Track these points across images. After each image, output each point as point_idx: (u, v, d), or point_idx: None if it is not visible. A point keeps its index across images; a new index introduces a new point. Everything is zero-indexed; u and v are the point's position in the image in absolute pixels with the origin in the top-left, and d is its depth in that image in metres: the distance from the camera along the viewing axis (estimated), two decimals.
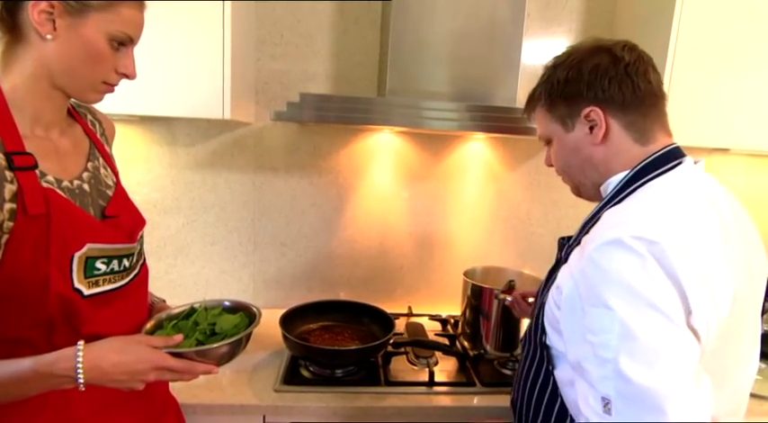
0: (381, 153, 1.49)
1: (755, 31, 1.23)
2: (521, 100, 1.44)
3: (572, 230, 1.53)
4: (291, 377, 1.11)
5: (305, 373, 1.15)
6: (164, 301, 0.96)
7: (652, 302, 0.56)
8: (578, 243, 0.67)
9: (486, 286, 1.23)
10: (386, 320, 1.26)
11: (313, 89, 1.42)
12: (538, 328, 0.74)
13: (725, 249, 0.61)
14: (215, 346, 0.75)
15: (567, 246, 0.74)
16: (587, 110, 0.70)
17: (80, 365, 0.63)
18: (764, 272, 0.71)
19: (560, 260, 0.75)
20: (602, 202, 0.71)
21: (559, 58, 0.74)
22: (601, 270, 0.58)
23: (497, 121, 1.16)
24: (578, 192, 0.80)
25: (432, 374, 1.13)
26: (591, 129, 0.71)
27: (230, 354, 0.78)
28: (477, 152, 1.53)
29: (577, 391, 0.63)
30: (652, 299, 0.56)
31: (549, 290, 0.71)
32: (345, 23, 1.42)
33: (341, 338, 1.26)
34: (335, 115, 1.14)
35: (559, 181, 1.42)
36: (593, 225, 0.66)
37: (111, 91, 0.75)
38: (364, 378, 1.14)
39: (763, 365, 1.24)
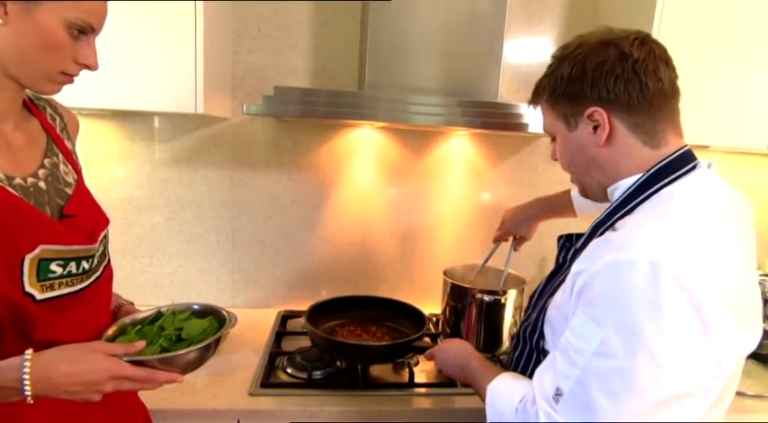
0: (363, 149, 1.45)
1: (738, 28, 1.21)
2: (503, 95, 1.43)
3: (555, 228, 1.51)
4: (268, 380, 1.07)
5: (282, 375, 1.10)
6: (132, 303, 0.91)
7: (647, 342, 0.53)
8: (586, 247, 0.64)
9: (465, 285, 1.20)
10: (417, 316, 1.20)
11: (292, 83, 1.37)
12: (535, 332, 0.71)
13: (745, 267, 0.60)
14: (180, 353, 0.70)
15: (572, 249, 0.71)
16: (590, 110, 0.66)
17: (26, 376, 0.58)
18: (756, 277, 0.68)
19: (563, 264, 0.72)
20: (613, 206, 0.68)
21: (566, 49, 0.69)
22: (608, 284, 0.56)
23: (486, 116, 1.12)
24: (585, 193, 0.76)
25: (411, 375, 1.10)
26: (595, 129, 0.67)
27: (197, 361, 0.73)
28: (459, 148, 1.49)
29: (544, 363, 0.63)
30: (649, 339, 0.53)
31: (550, 294, 0.69)
32: (325, 17, 1.37)
33: (368, 335, 1.20)
34: (310, 109, 1.09)
35: (543, 178, 1.40)
36: (605, 231, 0.64)
37: (71, 82, 0.69)
38: (343, 380, 1.10)
39: None
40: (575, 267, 0.62)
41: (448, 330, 1.26)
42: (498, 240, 1.20)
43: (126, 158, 1.37)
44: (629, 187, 0.66)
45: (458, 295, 1.21)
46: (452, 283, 1.22)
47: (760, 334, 0.64)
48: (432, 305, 1.44)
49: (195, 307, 0.82)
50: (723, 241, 0.58)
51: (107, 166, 1.36)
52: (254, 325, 1.34)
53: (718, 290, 0.54)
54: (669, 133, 0.66)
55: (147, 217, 1.40)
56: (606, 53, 0.65)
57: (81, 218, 0.72)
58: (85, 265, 0.71)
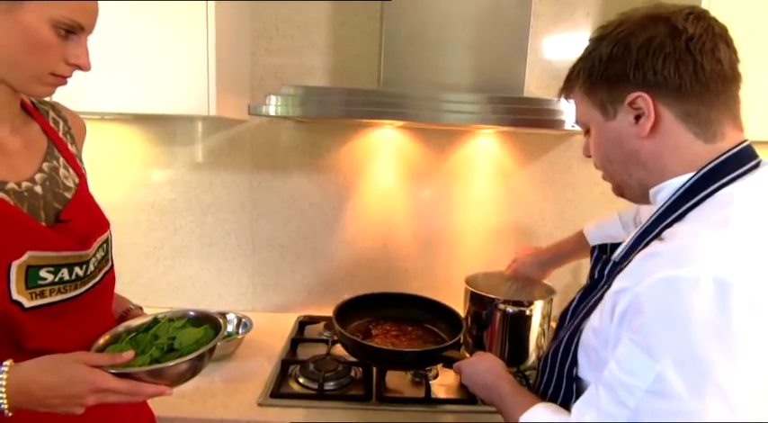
0: (383, 150, 1.40)
1: None
2: (531, 91, 1.33)
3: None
4: (278, 390, 1.03)
5: (294, 385, 1.06)
6: (140, 308, 0.88)
7: (717, 381, 0.44)
8: (629, 261, 0.56)
9: (487, 294, 1.11)
10: (453, 319, 1.12)
11: (311, 83, 1.34)
12: (567, 357, 0.63)
13: None
14: (169, 365, 0.66)
15: (609, 264, 0.62)
16: (633, 96, 0.57)
17: (2, 389, 0.55)
18: None
19: (599, 279, 0.63)
20: (659, 211, 0.59)
21: (606, 28, 0.60)
22: (662, 307, 0.47)
23: (518, 112, 1.03)
24: (620, 191, 0.66)
25: (428, 390, 1.03)
26: (637, 118, 0.58)
27: (188, 372, 0.70)
28: (485, 148, 1.41)
29: (584, 397, 0.56)
30: (720, 375, 0.44)
31: (586, 313, 0.61)
32: (343, 15, 1.32)
33: (405, 337, 1.13)
34: (327, 109, 1.05)
35: (577, 178, 1.29)
36: (650, 241, 0.56)
37: (63, 83, 0.67)
38: (356, 392, 1.04)
39: None
40: (616, 285, 0.54)
41: (470, 341, 1.18)
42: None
43: (149, 162, 1.38)
44: (678, 189, 0.57)
45: (480, 305, 1.13)
46: (473, 292, 1.14)
47: None
48: None
49: (191, 314, 0.79)
50: None
51: (130, 170, 1.38)
52: (272, 330, 1.31)
53: None
54: (727, 125, 0.57)
55: (169, 220, 1.41)
56: (655, 29, 0.55)
57: (75, 223, 0.70)
58: (79, 271, 0.69)
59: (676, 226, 0.54)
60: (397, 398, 1.03)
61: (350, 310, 1.14)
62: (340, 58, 1.34)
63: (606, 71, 0.58)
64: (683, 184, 0.56)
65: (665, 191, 0.58)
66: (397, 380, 1.09)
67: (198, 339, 0.72)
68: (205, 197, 1.40)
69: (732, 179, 0.54)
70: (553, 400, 0.66)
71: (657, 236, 0.56)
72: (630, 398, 0.48)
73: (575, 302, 0.67)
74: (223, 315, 1.24)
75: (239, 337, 1.18)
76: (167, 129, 1.37)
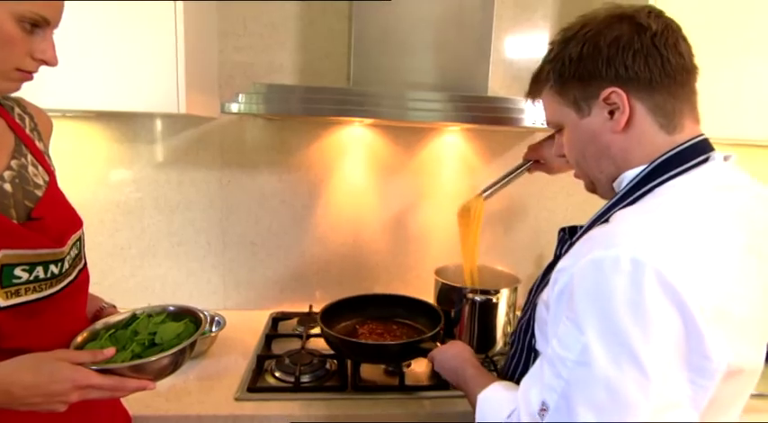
0: (353, 147, 1.42)
1: (740, 15, 1.16)
2: (494, 90, 1.39)
3: (550, 226, 1.48)
4: (255, 384, 1.04)
5: (270, 379, 1.08)
6: (114, 306, 0.88)
7: (633, 350, 0.48)
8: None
9: (456, 285, 1.17)
10: (432, 313, 1.16)
11: (280, 81, 1.35)
12: (528, 330, 0.68)
13: (754, 274, 0.54)
14: (151, 359, 0.67)
15: (568, 242, 0.66)
16: (607, 91, 0.59)
17: None
18: None
19: (559, 257, 0.67)
20: (614, 199, 0.62)
21: (570, 30, 0.63)
22: (588, 284, 0.51)
23: (480, 111, 1.08)
24: (592, 187, 0.69)
25: (402, 378, 1.07)
26: (611, 113, 0.60)
27: (170, 366, 0.71)
28: (451, 145, 1.46)
29: (530, 372, 0.59)
30: (635, 346, 0.48)
31: (542, 289, 0.65)
32: (311, 14, 1.34)
33: (390, 334, 1.16)
34: (296, 107, 1.06)
35: (538, 175, 1.38)
36: (600, 225, 0.59)
37: (29, 79, 0.67)
38: (332, 383, 1.07)
39: None
40: (559, 264, 0.58)
41: (443, 324, 1.21)
42: (526, 158, 1.08)
43: (114, 161, 1.35)
44: (633, 179, 0.61)
45: (450, 294, 1.18)
46: (443, 283, 1.19)
47: (763, 356, 0.58)
48: None
49: (171, 308, 0.80)
50: (721, 243, 0.53)
51: (96, 169, 1.35)
52: (244, 327, 1.32)
53: (708, 292, 0.49)
54: (687, 117, 0.61)
55: (135, 219, 1.39)
56: (621, 28, 0.59)
57: (48, 220, 0.70)
58: (54, 269, 0.69)
59: (619, 211, 0.58)
60: (372, 386, 1.06)
61: (335, 312, 1.17)
62: (309, 57, 1.36)
63: (578, 70, 0.61)
64: (638, 175, 0.60)
65: (625, 180, 0.62)
66: (371, 371, 1.12)
67: (179, 333, 0.74)
68: (173, 196, 1.38)
69: (682, 171, 0.58)
70: (515, 369, 0.71)
71: (606, 220, 0.59)
72: (564, 369, 0.52)
73: (538, 280, 0.71)
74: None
75: (213, 334, 1.18)
76: (131, 126, 1.35)
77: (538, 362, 0.59)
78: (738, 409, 0.61)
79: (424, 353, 0.96)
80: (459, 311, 1.17)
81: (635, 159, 0.61)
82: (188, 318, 0.78)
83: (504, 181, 1.10)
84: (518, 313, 1.17)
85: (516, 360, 0.72)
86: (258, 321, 1.36)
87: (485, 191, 1.11)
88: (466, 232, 1.11)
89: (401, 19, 1.14)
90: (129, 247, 1.39)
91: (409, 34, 1.15)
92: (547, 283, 0.62)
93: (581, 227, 0.69)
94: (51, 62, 0.66)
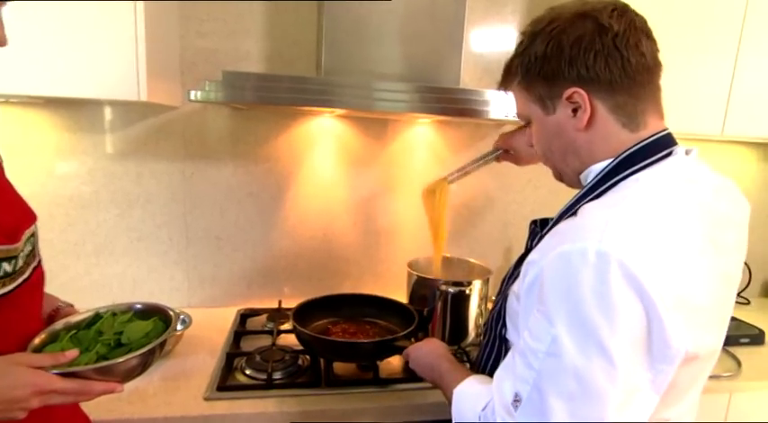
0: (322, 139, 1.41)
1: (695, 10, 1.22)
2: (465, 82, 1.41)
3: (518, 219, 1.50)
4: (225, 383, 1.02)
5: (240, 377, 1.05)
6: (71, 305, 0.84)
7: (600, 340, 0.50)
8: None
9: (429, 277, 1.18)
10: (405, 313, 1.16)
11: (246, 69, 1.31)
12: (500, 320, 0.69)
13: (712, 263, 0.57)
14: (119, 360, 0.65)
15: (539, 235, 0.67)
16: (569, 91, 0.61)
17: None
18: (738, 275, 0.65)
19: (530, 249, 0.67)
20: (581, 193, 0.64)
21: (539, 23, 0.63)
22: (557, 277, 0.53)
23: (450, 102, 1.08)
24: (560, 177, 0.72)
25: (376, 371, 1.07)
26: (574, 111, 0.62)
27: (139, 367, 0.68)
28: (422, 137, 1.47)
29: (503, 364, 0.61)
30: (602, 336, 0.50)
31: (513, 280, 0.66)
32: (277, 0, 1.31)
33: (363, 334, 1.15)
34: (264, 96, 1.03)
35: (507, 167, 1.41)
36: (568, 218, 0.61)
37: None
38: (305, 379, 1.06)
39: None
40: (529, 256, 0.59)
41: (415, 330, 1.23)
42: (496, 146, 1.08)
43: (65, 151, 1.28)
44: (599, 173, 0.62)
45: (422, 287, 1.20)
46: (417, 276, 1.20)
47: (720, 342, 0.62)
48: (399, 298, 1.43)
49: (138, 306, 0.76)
50: (682, 234, 0.55)
51: (44, 160, 1.27)
52: (211, 325, 1.28)
53: (669, 282, 0.51)
54: (650, 114, 0.62)
55: (91, 214, 1.32)
56: (583, 27, 0.60)
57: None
58: (7, 267, 0.65)
59: (586, 205, 0.59)
60: (346, 381, 1.06)
61: (307, 312, 1.16)
62: (276, 45, 1.33)
63: (542, 69, 0.62)
64: (603, 169, 0.62)
65: (591, 174, 0.64)
66: (345, 366, 1.11)
67: (147, 332, 0.71)
68: (132, 188, 1.32)
69: (645, 166, 0.59)
70: (487, 360, 0.72)
71: (574, 213, 0.60)
72: (535, 361, 0.53)
73: (510, 271, 0.72)
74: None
75: (178, 333, 1.15)
76: (84, 114, 1.27)
77: (510, 354, 0.61)
78: (697, 391, 0.64)
79: (398, 351, 0.97)
80: (432, 304, 1.18)
81: (600, 154, 0.63)
82: (156, 316, 0.75)
83: (471, 167, 1.11)
84: (490, 305, 1.21)
85: (489, 350, 0.73)
86: (225, 319, 1.33)
87: (451, 175, 1.12)
88: (432, 215, 1.12)
89: (373, 8, 1.13)
90: (83, 243, 1.32)
91: (381, 24, 1.14)
92: (518, 275, 0.63)
93: (552, 219, 0.70)
94: (0, 42, 0.61)
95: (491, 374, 0.68)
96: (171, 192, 1.35)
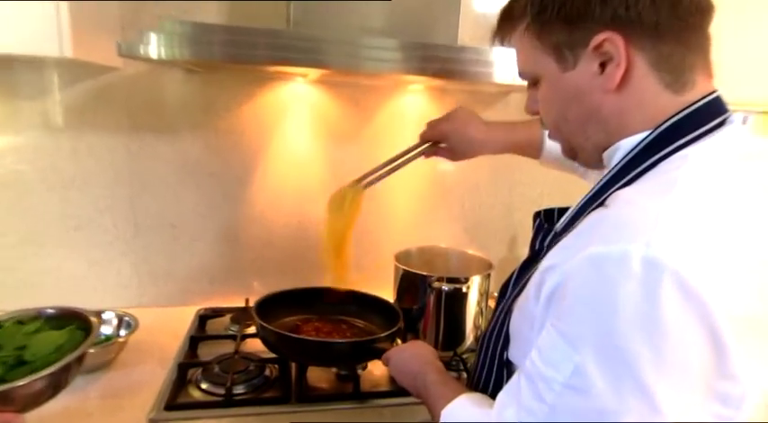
0: (295, 108, 1.32)
1: None
2: (465, 41, 1.31)
3: (528, 202, 1.42)
4: (175, 400, 0.94)
5: (194, 392, 0.98)
6: None
7: (640, 377, 0.43)
8: (570, 231, 0.54)
9: (419, 272, 1.11)
10: (388, 311, 1.12)
11: (201, 20, 1.20)
12: (500, 338, 0.63)
13: None
14: (18, 384, 0.56)
15: (550, 234, 0.61)
16: (599, 37, 0.52)
17: None
18: None
19: (539, 252, 0.62)
20: (608, 176, 0.56)
21: None
22: (586, 290, 0.46)
23: (450, 62, 1.00)
24: (572, 154, 0.64)
25: (357, 383, 1.01)
26: (602, 66, 0.53)
27: (48, 390, 0.59)
28: (414, 107, 1.38)
29: (507, 387, 0.55)
30: (643, 371, 0.42)
31: (521, 290, 0.59)
32: None
33: (339, 335, 1.11)
34: (228, 51, 0.94)
35: None
36: (594, 209, 0.53)
37: None
38: (272, 394, 0.99)
39: None
40: (546, 261, 0.52)
41: (401, 325, 1.15)
42: (423, 139, 1.01)
43: None
44: (632, 149, 0.54)
45: (411, 284, 1.14)
46: (405, 270, 1.14)
47: None
48: (385, 295, 1.36)
49: (49, 311, 0.68)
50: (753, 235, 0.48)
51: None
52: (165, 328, 1.21)
53: (738, 300, 0.44)
54: (699, 71, 0.54)
55: (15, 198, 1.22)
56: None
57: None
58: None
59: (620, 191, 0.52)
60: (321, 395, 1.00)
61: (273, 307, 1.10)
62: None
63: (564, 7, 0.53)
64: (638, 144, 0.54)
65: (620, 152, 0.56)
66: (321, 376, 1.05)
67: (59, 346, 0.62)
68: (66, 167, 1.23)
69: (695, 138, 0.52)
70: (486, 385, 0.66)
71: (602, 203, 0.53)
72: (549, 392, 0.47)
73: (513, 277, 0.66)
74: (98, 314, 1.11)
75: (121, 339, 1.07)
76: (2, 77, 1.16)
77: (515, 376, 0.55)
78: None
79: (377, 354, 0.92)
80: (423, 303, 1.12)
81: (633, 124, 0.54)
82: (73, 323, 0.66)
83: (390, 166, 0.99)
84: (491, 303, 1.15)
85: (486, 374, 0.67)
86: (181, 320, 1.26)
87: (364, 177, 0.99)
88: (333, 226, 0.99)
89: None
90: (4, 233, 1.23)
91: None
92: (523, 286, 0.58)
93: (559, 209, 0.64)
94: None
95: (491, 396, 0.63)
96: (114, 171, 1.26)
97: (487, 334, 0.67)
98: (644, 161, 0.53)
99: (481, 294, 1.14)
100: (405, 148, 1.01)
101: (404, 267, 1.14)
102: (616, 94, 0.53)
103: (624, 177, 0.54)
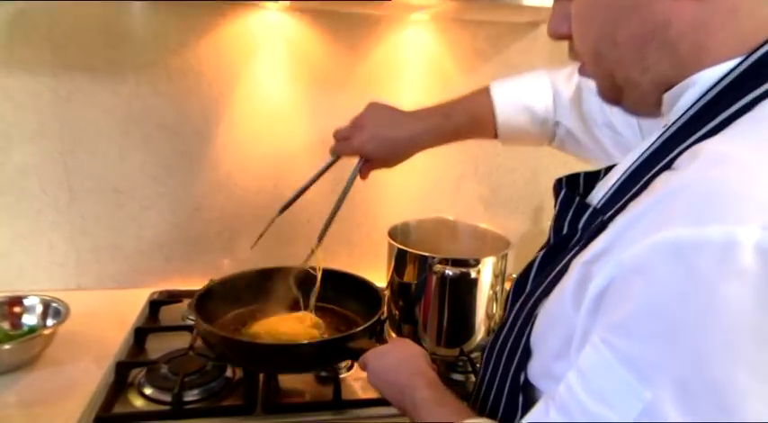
0: (267, 44, 1.24)
1: None
2: None
3: (558, 163, 1.29)
4: (110, 410, 0.88)
5: (136, 400, 0.91)
6: None
7: (747, 419, 0.34)
8: (619, 210, 0.46)
9: (418, 252, 1.03)
10: (369, 295, 1.06)
11: None
12: (514, 354, 0.56)
13: None
14: None
15: (587, 211, 0.52)
16: None
17: None
18: None
19: (569, 236, 0.54)
20: (678, 123, 0.47)
21: None
22: (663, 292, 0.37)
23: None
24: (614, 94, 0.54)
25: (338, 389, 0.93)
26: None
27: None
28: (416, 43, 1.30)
29: (532, 416, 0.48)
30: (750, 412, 0.34)
31: (546, 288, 0.53)
32: None
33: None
34: None
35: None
36: (658, 173, 0.44)
37: None
38: (233, 402, 0.92)
39: None
40: (592, 248, 0.45)
41: (396, 314, 1.10)
42: (337, 153, 0.98)
43: None
44: (715, 84, 0.44)
45: (409, 265, 1.05)
46: (400, 249, 1.05)
47: None
48: (380, 276, 1.30)
49: None
50: None
51: None
52: (107, 316, 1.14)
53: None
54: None
55: None
56: None
57: None
58: None
59: (703, 145, 0.42)
60: (294, 403, 0.93)
61: (225, 295, 1.06)
62: None
63: None
64: (725, 76, 0.43)
65: (693, 89, 0.45)
66: (295, 379, 0.99)
67: None
68: None
69: None
70: (494, 410, 0.59)
71: (669, 165, 0.44)
72: None
73: (534, 268, 0.59)
74: (17, 300, 1.04)
75: (46, 331, 0.99)
76: None
77: (541, 406, 0.47)
78: None
79: (353, 355, 0.87)
80: (422, 289, 1.04)
81: (718, 48, 0.44)
82: None
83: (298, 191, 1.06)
84: (507, 286, 1.10)
85: (494, 397, 0.60)
86: (129, 306, 1.19)
87: (283, 208, 1.08)
88: None
89: None
90: None
91: None
92: (551, 283, 0.51)
93: (587, 174, 0.60)
94: None
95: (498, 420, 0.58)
96: (38, 121, 1.16)
97: (498, 344, 0.59)
98: (733, 102, 0.43)
99: (496, 276, 1.06)
100: (317, 169, 1.02)
101: (399, 245, 1.06)
102: (694, 2, 0.44)
103: (704, 126, 0.44)
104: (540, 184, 1.43)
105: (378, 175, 1.33)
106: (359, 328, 0.91)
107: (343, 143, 0.94)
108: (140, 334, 1.07)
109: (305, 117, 1.29)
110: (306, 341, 0.93)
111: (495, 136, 0.90)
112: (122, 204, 1.24)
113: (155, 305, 1.19)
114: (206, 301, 0.99)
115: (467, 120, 0.90)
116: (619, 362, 0.38)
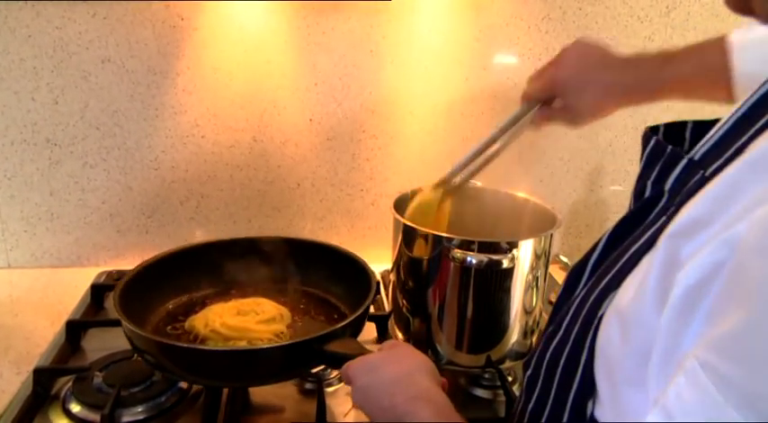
0: None
1: None
2: None
3: (625, 112, 1.29)
4: None
5: (58, 418, 0.85)
6: None
7: None
8: (724, 164, 0.43)
9: (431, 231, 0.94)
10: (359, 276, 1.00)
11: None
12: (574, 372, 0.53)
13: None
14: None
15: (680, 164, 0.50)
16: None
17: None
18: None
19: (655, 199, 0.53)
20: None
21: None
22: None
23: None
24: (743, 5, 0.50)
25: (322, 404, 0.87)
26: None
27: None
28: None
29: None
30: None
31: (617, 275, 0.51)
32: None
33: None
34: None
35: (598, 9, 1.10)
36: None
37: None
38: (187, 421, 0.87)
39: None
40: (686, 214, 0.43)
41: (404, 304, 1.02)
42: (529, 99, 0.97)
43: None
44: None
45: (419, 247, 0.97)
46: (408, 227, 0.96)
47: None
48: (387, 256, 1.24)
49: None
50: None
51: None
52: (39, 304, 1.12)
53: None
54: None
55: None
56: None
57: None
58: None
59: None
60: None
61: (170, 276, 1.00)
62: None
63: None
64: None
65: None
66: (273, 390, 0.94)
67: None
68: None
69: None
70: None
71: None
72: None
73: (597, 249, 0.56)
74: None
75: None
76: None
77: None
78: None
79: (332, 362, 0.82)
80: (435, 278, 0.96)
81: None
82: None
83: (486, 154, 0.99)
84: (556, 274, 1.10)
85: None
86: (70, 290, 1.16)
87: (452, 174, 1.00)
88: None
89: None
90: None
91: None
92: (624, 271, 0.49)
93: (696, 123, 0.59)
94: None
95: None
96: None
97: (546, 358, 0.56)
98: None
99: (537, 257, 0.97)
100: (502, 121, 0.97)
101: (407, 221, 0.97)
102: None
103: None
104: (598, 140, 1.36)
105: (388, 127, 1.29)
106: (338, 326, 0.83)
107: (536, 82, 0.95)
108: (74, 329, 1.01)
109: (293, 50, 1.23)
110: (266, 345, 0.87)
111: (723, 98, 0.87)
112: (59, 161, 1.20)
113: (98, 290, 1.14)
114: (137, 289, 0.92)
115: (692, 70, 0.88)
116: (730, 402, 0.34)
